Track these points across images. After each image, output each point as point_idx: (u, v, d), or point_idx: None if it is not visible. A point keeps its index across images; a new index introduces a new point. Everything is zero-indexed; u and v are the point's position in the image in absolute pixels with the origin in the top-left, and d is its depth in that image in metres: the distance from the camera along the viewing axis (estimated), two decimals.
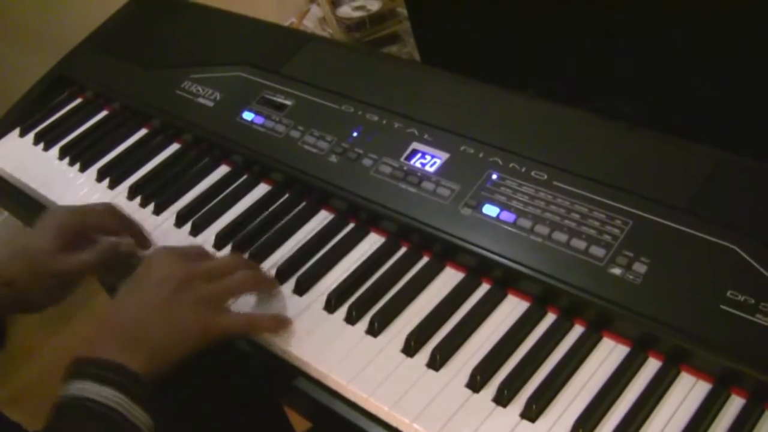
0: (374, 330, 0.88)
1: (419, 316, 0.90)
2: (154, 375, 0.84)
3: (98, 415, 0.78)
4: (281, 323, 0.92)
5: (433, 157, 0.99)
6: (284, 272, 0.97)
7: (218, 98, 1.16)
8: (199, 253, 0.97)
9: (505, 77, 1.03)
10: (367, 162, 1.02)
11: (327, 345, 0.89)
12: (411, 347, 0.86)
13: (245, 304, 0.94)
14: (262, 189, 1.09)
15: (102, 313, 0.90)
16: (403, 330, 0.88)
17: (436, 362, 0.84)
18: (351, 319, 0.90)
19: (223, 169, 1.12)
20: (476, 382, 0.82)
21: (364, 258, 0.97)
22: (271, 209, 1.06)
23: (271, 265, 0.98)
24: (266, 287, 0.96)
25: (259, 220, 1.05)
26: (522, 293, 0.90)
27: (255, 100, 1.14)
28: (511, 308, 0.89)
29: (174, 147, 1.18)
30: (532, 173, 0.94)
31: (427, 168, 0.99)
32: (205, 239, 1.04)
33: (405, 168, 1.00)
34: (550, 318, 0.88)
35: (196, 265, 0.92)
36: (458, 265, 0.94)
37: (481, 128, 1.00)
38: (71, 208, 1.02)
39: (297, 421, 1.22)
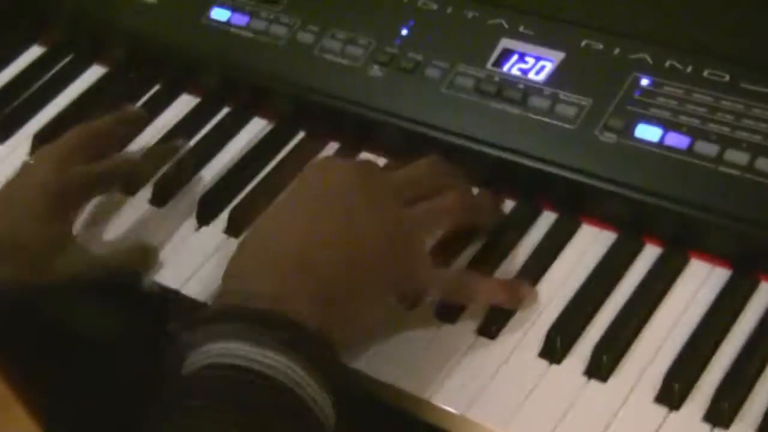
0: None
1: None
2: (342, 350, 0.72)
3: (269, 393, 0.64)
4: (522, 290, 0.79)
5: (538, 59, 0.88)
6: None
7: None
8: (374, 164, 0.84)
9: None
10: (432, 72, 0.90)
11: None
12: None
13: None
14: (257, 127, 0.97)
15: (261, 244, 0.75)
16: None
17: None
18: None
19: (186, 101, 1.01)
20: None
21: None
22: (279, 159, 0.93)
23: None
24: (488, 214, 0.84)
25: (262, 176, 0.92)
26: (714, 256, 0.80)
27: None
28: (701, 279, 0.79)
29: (97, 71, 1.06)
30: (705, 73, 0.84)
31: (532, 76, 0.88)
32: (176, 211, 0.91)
33: (496, 78, 0.88)
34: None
35: (390, 173, 0.80)
36: (603, 221, 0.83)
37: (611, 9, 0.90)
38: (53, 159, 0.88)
39: None
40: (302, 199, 0.77)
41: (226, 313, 0.68)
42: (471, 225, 0.82)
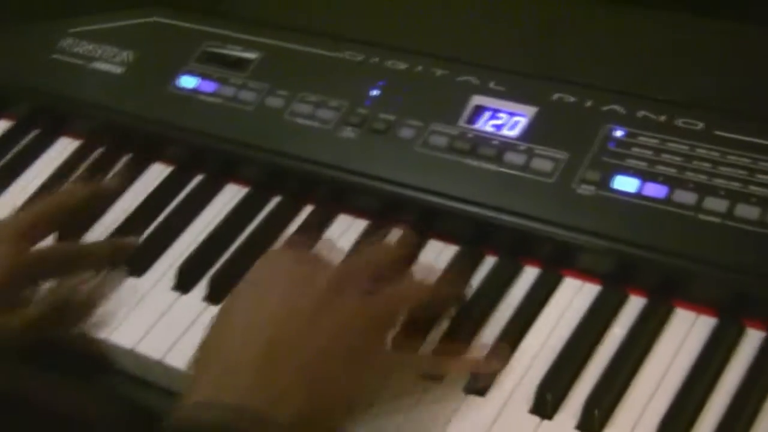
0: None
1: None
2: None
3: None
4: (491, 365, 0.77)
5: (511, 114, 0.89)
6: None
7: (129, 59, 1.03)
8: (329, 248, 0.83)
9: None
10: (405, 132, 0.90)
11: None
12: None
13: None
14: (231, 193, 0.96)
15: (211, 344, 0.73)
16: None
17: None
18: None
19: (158, 170, 1.00)
20: None
21: None
22: (254, 226, 0.92)
23: None
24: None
25: (238, 245, 0.90)
26: (698, 304, 0.79)
27: (194, 57, 1.01)
28: (687, 328, 0.78)
29: (65, 143, 1.05)
30: (679, 122, 0.84)
31: (506, 131, 0.87)
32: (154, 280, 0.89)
33: (470, 135, 0.88)
34: (755, 337, 0.77)
35: (346, 262, 0.79)
36: (586, 274, 0.83)
37: (581, 62, 0.91)
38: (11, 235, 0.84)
39: None
40: (262, 294, 0.75)
41: (198, 413, 0.67)
42: (436, 304, 0.81)
